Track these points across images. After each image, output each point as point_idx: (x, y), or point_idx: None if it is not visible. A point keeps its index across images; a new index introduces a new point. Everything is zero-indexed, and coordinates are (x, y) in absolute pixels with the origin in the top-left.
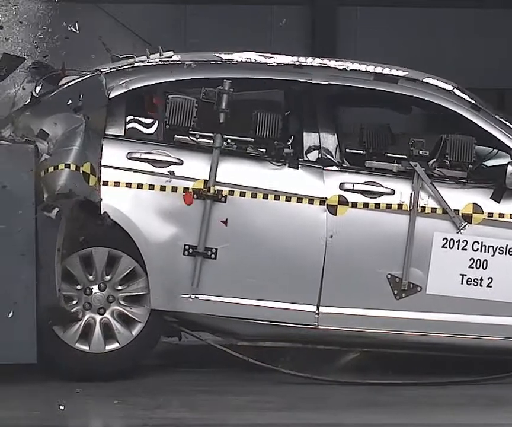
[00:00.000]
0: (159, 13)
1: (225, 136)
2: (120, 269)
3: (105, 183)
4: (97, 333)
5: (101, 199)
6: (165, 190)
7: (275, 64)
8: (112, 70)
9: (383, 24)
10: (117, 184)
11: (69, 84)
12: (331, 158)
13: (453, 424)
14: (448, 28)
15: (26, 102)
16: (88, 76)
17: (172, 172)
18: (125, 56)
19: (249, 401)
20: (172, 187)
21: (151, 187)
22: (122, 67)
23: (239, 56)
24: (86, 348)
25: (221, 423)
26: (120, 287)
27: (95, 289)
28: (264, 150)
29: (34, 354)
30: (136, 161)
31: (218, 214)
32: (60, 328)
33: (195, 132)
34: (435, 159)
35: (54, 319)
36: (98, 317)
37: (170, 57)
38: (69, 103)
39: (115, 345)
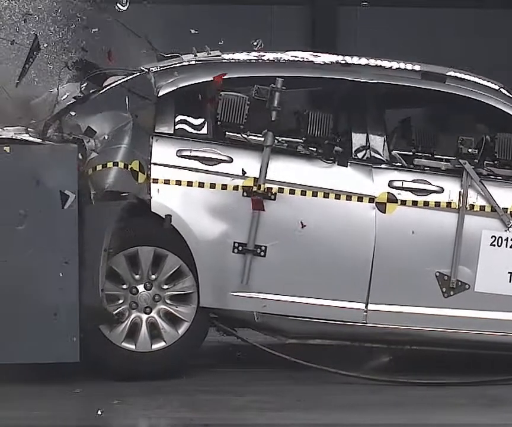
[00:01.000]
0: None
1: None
2: (166, 268)
3: (155, 181)
4: (143, 332)
5: (151, 197)
6: (214, 188)
7: (324, 63)
8: (160, 68)
9: (383, 24)
10: (166, 181)
11: (118, 83)
12: (380, 155)
13: (453, 424)
14: (449, 28)
15: (73, 100)
16: (135, 75)
17: (169, 217)
18: (170, 54)
19: (249, 401)
20: (222, 184)
21: (201, 184)
22: (171, 66)
23: (286, 55)
24: (133, 347)
25: (221, 423)
26: (165, 286)
27: (141, 288)
28: (314, 148)
29: (76, 353)
30: (185, 158)
31: (268, 211)
32: (107, 327)
33: (246, 130)
34: (483, 158)
35: (95, 319)
36: (144, 316)
37: (219, 55)
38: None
39: (162, 344)
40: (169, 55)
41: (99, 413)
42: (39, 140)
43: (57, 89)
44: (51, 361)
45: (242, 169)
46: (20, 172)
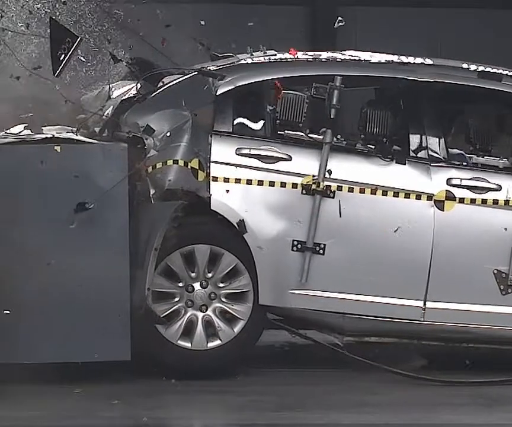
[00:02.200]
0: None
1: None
2: (222, 266)
3: (215, 179)
4: (199, 330)
5: (211, 195)
6: (273, 186)
7: (380, 61)
8: (218, 67)
9: (383, 24)
10: (226, 179)
11: (175, 81)
12: (437, 153)
13: (453, 424)
14: (449, 27)
15: (127, 98)
16: (193, 74)
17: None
18: (224, 54)
19: (249, 401)
20: (281, 182)
21: (260, 182)
22: (229, 65)
23: (344, 54)
24: (188, 345)
25: (221, 423)
26: (221, 285)
27: (197, 286)
28: (373, 146)
29: (128, 351)
30: (244, 156)
31: (326, 209)
32: (163, 325)
33: (305, 128)
34: None
35: (142, 318)
36: (200, 314)
37: (274, 55)
38: (183, 102)
39: (217, 342)
40: (223, 55)
41: (144, 419)
42: (89, 140)
43: (109, 87)
44: (103, 360)
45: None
46: (71, 172)
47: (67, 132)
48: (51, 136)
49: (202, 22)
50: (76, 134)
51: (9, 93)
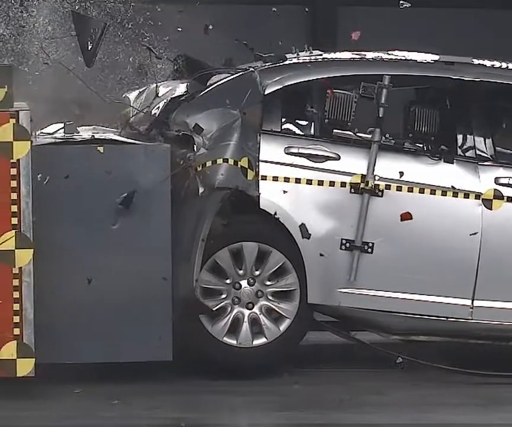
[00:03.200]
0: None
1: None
2: (270, 264)
3: (264, 178)
4: (245, 327)
5: (260, 193)
6: (322, 185)
7: (427, 61)
8: (265, 67)
9: (383, 24)
10: (275, 178)
11: (223, 81)
12: (485, 152)
13: (453, 424)
14: (449, 27)
15: (174, 97)
16: (241, 73)
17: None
18: (268, 54)
19: (249, 401)
20: (330, 181)
21: (309, 181)
22: (277, 64)
23: (390, 54)
24: (234, 342)
25: (222, 423)
26: (268, 283)
27: (244, 283)
28: (421, 145)
29: (169, 352)
30: (293, 155)
31: (375, 208)
32: (209, 322)
33: (354, 127)
34: None
35: (189, 310)
36: (247, 312)
37: (321, 54)
38: (228, 101)
39: (263, 340)
40: (266, 55)
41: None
42: (132, 141)
43: (156, 85)
44: (145, 360)
45: None
46: (113, 172)
47: (104, 132)
48: (91, 136)
49: (211, 27)
50: (120, 134)
51: (45, 93)
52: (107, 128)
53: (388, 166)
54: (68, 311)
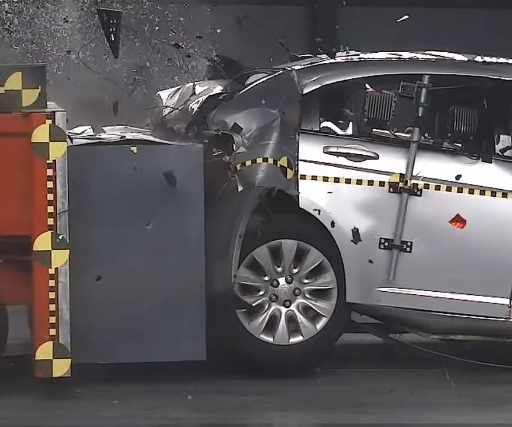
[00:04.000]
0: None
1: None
2: (308, 262)
3: (303, 177)
4: (282, 325)
5: (299, 192)
6: (361, 184)
7: (465, 61)
8: (303, 67)
9: (383, 24)
10: (314, 177)
11: (262, 81)
12: None
13: (453, 424)
14: (448, 27)
15: (218, 97)
16: (279, 73)
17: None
18: (303, 55)
19: (249, 401)
20: (369, 180)
21: (347, 180)
22: (314, 64)
23: (426, 54)
24: (270, 340)
25: (221, 423)
26: (306, 281)
27: (282, 281)
28: (460, 144)
29: (203, 352)
30: (332, 155)
31: (413, 207)
32: (246, 319)
33: (393, 126)
34: None
35: (227, 305)
36: (284, 309)
37: (357, 54)
38: (263, 101)
39: (299, 338)
40: (301, 55)
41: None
42: (165, 141)
43: (193, 84)
44: (178, 360)
45: None
46: (146, 173)
47: (132, 131)
48: (122, 136)
49: (219, 30)
50: (153, 133)
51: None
52: (135, 128)
53: (427, 165)
54: (103, 312)
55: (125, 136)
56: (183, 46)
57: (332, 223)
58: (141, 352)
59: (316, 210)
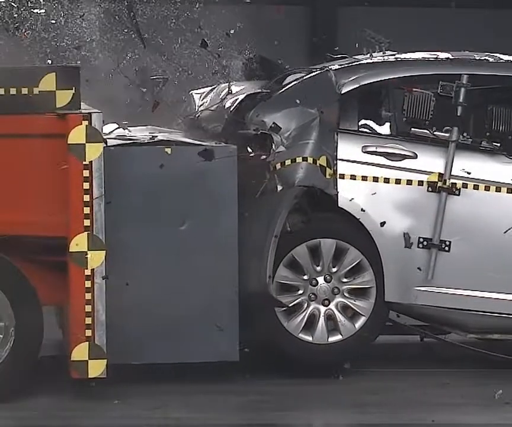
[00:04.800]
0: None
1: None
2: (347, 261)
3: (341, 176)
4: (321, 324)
5: (338, 192)
6: (400, 183)
7: (504, 61)
8: (340, 66)
9: (383, 24)
10: (353, 177)
11: (300, 80)
12: None
13: (453, 424)
14: (448, 27)
15: (255, 97)
16: (317, 73)
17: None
18: (338, 55)
19: (249, 401)
20: (407, 179)
21: (386, 180)
22: (352, 64)
23: (462, 54)
24: (309, 338)
25: (221, 423)
26: (345, 280)
27: (321, 280)
28: (498, 144)
29: (236, 352)
30: (371, 154)
31: (452, 207)
32: (285, 318)
33: (431, 126)
34: None
35: (261, 305)
36: (323, 308)
37: (394, 55)
38: (298, 101)
39: (338, 337)
40: (337, 56)
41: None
42: (198, 142)
43: (228, 84)
44: (211, 360)
45: None
46: (180, 173)
47: (160, 132)
48: (152, 136)
49: (232, 31)
50: (184, 133)
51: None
52: (162, 128)
53: (465, 165)
54: (138, 312)
55: (156, 137)
56: (209, 44)
57: (371, 222)
58: (174, 353)
59: (354, 209)
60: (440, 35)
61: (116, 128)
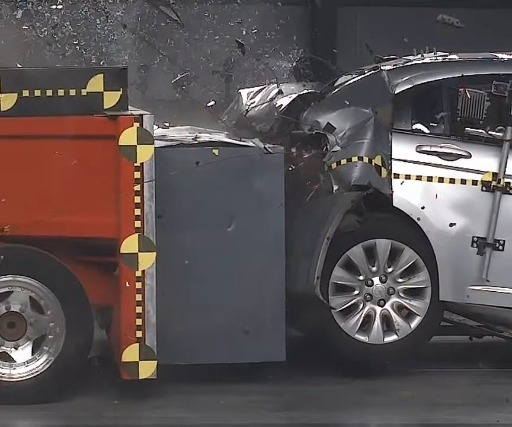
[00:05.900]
0: None
1: None
2: (402, 261)
3: (396, 176)
4: (377, 324)
5: (393, 191)
6: (454, 183)
7: None
8: (394, 67)
9: (383, 24)
10: (407, 176)
11: (353, 81)
12: None
13: (453, 424)
14: (448, 27)
15: (309, 97)
16: (370, 73)
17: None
18: (388, 57)
19: (249, 401)
20: (461, 179)
21: (440, 179)
22: (406, 64)
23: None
24: (365, 339)
25: (221, 423)
26: (400, 280)
27: (376, 280)
28: None
29: (283, 352)
30: (425, 154)
31: (506, 206)
32: (341, 318)
33: (485, 125)
34: None
35: (307, 306)
36: (378, 309)
37: (446, 55)
38: (348, 102)
39: (393, 337)
40: (386, 57)
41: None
42: (246, 143)
43: (277, 84)
44: (259, 361)
45: None
46: (228, 175)
47: (200, 132)
48: (195, 137)
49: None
50: (228, 133)
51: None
52: (201, 128)
53: None
54: (187, 313)
55: (199, 137)
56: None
57: (426, 222)
58: (223, 353)
59: (409, 209)
60: (440, 35)
61: (157, 128)
